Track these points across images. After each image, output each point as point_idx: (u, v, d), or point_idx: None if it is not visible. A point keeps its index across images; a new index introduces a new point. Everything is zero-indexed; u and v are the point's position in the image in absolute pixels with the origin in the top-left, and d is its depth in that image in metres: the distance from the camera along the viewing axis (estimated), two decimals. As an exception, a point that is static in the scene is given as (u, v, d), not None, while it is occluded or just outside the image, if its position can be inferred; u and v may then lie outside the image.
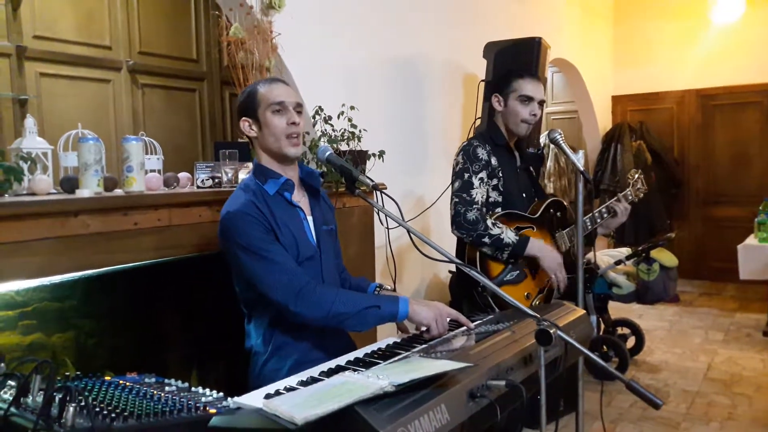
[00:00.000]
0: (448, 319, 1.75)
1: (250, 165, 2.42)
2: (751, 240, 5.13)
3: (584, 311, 1.85)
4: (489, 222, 2.29)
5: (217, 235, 1.76)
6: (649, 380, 4.10)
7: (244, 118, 1.80)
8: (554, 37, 5.40)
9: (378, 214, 2.04)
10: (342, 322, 1.67)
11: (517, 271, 2.34)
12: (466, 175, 2.36)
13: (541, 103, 2.46)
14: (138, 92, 3.59)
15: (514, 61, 3.43)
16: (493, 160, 2.39)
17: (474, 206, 2.31)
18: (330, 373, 1.41)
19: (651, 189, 6.23)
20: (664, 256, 4.25)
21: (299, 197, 1.85)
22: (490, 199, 2.39)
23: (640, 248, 4.28)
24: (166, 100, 3.78)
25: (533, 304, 2.37)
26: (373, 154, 2.70)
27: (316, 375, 1.40)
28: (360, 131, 2.69)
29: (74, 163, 1.97)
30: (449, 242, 3.66)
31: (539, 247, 2.32)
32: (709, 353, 4.64)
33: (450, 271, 3.67)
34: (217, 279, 1.95)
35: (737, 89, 6.24)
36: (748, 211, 6.09)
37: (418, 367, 1.24)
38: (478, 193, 2.34)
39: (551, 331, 1.37)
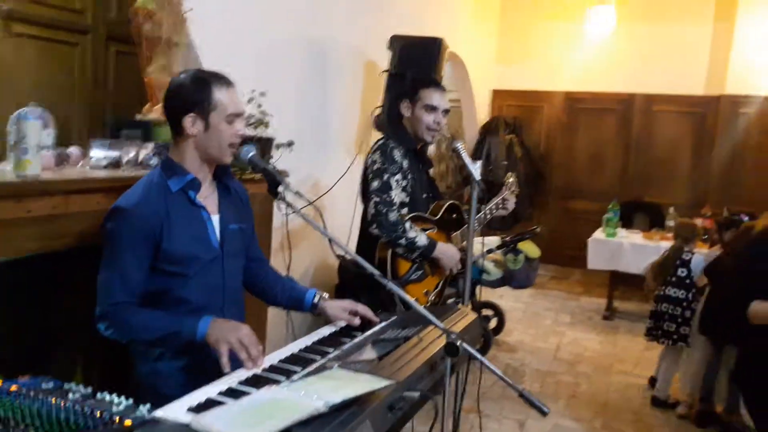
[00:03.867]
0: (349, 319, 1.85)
1: (151, 145, 2.33)
2: (599, 234, 5.75)
3: (475, 315, 2.03)
4: (407, 225, 2.41)
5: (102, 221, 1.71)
6: (508, 360, 4.52)
7: (189, 114, 1.67)
8: (446, 29, 5.59)
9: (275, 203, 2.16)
10: (152, 346, 1.69)
11: (421, 271, 2.51)
12: (386, 176, 2.45)
13: (446, 111, 2.59)
14: (10, 42, 3.23)
15: (417, 58, 3.55)
16: (404, 163, 2.51)
17: (394, 207, 2.41)
18: (250, 382, 1.45)
19: (519, 181, 6.78)
20: (529, 248, 4.66)
21: (206, 195, 1.79)
22: (400, 199, 2.50)
23: (509, 239, 4.65)
24: (42, 54, 3.44)
25: (430, 299, 2.55)
26: (282, 144, 2.69)
27: (236, 385, 1.42)
28: (267, 117, 2.66)
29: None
30: (342, 228, 3.78)
31: (443, 249, 2.50)
32: (557, 334, 5.18)
33: (338, 256, 3.76)
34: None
35: (601, 96, 6.86)
36: (598, 206, 6.76)
37: (343, 383, 1.31)
38: (396, 195, 2.45)
39: (458, 344, 1.52)
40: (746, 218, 3.47)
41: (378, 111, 3.77)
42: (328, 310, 1.92)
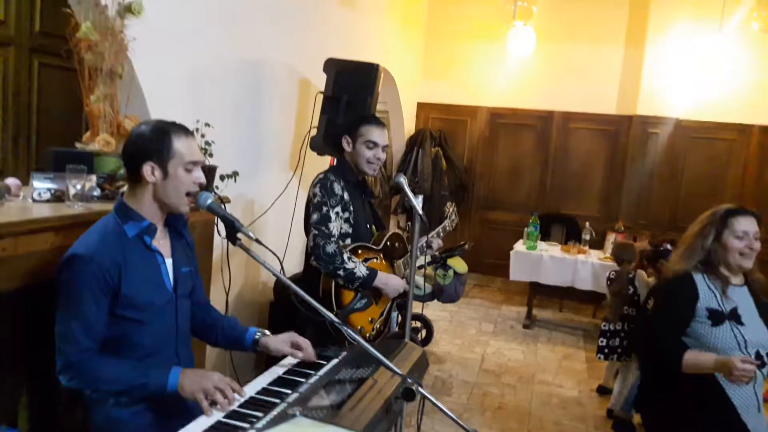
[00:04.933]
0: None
1: (94, 177, 2.29)
2: (520, 246, 6.04)
3: (421, 349, 2.14)
4: (345, 256, 2.48)
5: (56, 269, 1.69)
6: (437, 372, 4.68)
7: (148, 162, 1.70)
8: (374, 42, 5.71)
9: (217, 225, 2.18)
10: (116, 396, 1.70)
11: (365, 300, 2.59)
12: (324, 209, 2.52)
13: (385, 147, 2.70)
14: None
15: (354, 82, 3.61)
16: (346, 195, 2.59)
17: (332, 239, 2.48)
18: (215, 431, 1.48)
19: (443, 191, 7.00)
20: (458, 264, 4.84)
21: (160, 239, 1.83)
22: (342, 230, 2.58)
23: (439, 255, 4.81)
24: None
25: (375, 327, 2.65)
26: (227, 175, 2.70)
27: (202, 436, 1.46)
28: (211, 144, 2.66)
29: None
30: (278, 245, 3.80)
31: (384, 279, 2.59)
32: (482, 344, 5.41)
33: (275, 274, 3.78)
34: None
35: (520, 112, 7.19)
36: (517, 217, 7.13)
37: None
38: (335, 227, 2.52)
39: (414, 388, 1.62)
40: (669, 246, 3.73)
41: (314, 132, 3.81)
42: (270, 345, 1.96)
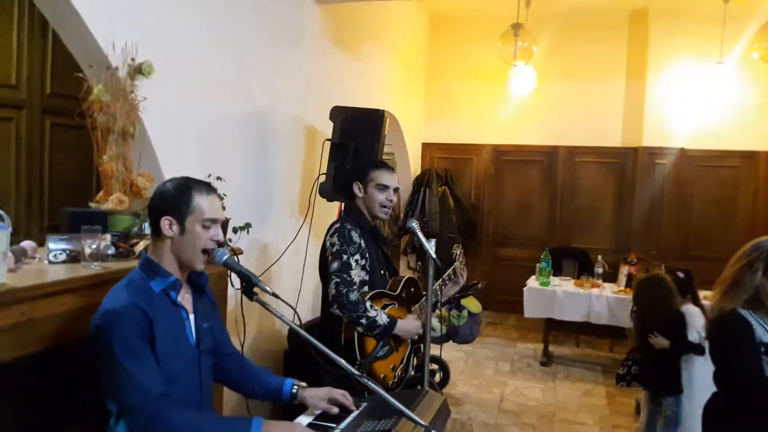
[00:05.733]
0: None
1: (108, 236, 2.30)
2: (533, 282, 5.99)
3: (443, 397, 2.10)
4: (368, 304, 2.47)
5: (90, 330, 1.68)
6: (455, 414, 4.59)
7: (166, 216, 1.74)
8: (378, 87, 5.81)
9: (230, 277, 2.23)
10: None
11: (387, 347, 2.57)
12: (345, 257, 2.53)
13: (396, 189, 2.72)
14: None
15: (360, 128, 3.66)
16: (362, 243, 2.59)
17: (354, 287, 2.48)
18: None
19: (452, 230, 7.00)
20: (472, 304, 4.81)
21: (183, 295, 1.86)
22: (360, 278, 2.57)
23: (453, 296, 4.78)
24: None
25: (397, 374, 2.62)
26: (240, 227, 2.72)
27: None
28: (223, 198, 2.68)
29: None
30: (290, 292, 3.79)
31: (403, 326, 2.58)
32: (500, 384, 5.32)
33: (294, 328, 3.76)
34: (80, 370, 1.83)
35: (525, 148, 7.24)
36: (527, 253, 7.10)
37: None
38: (356, 275, 2.53)
39: (437, 438, 1.59)
40: (681, 275, 3.68)
41: (323, 178, 3.85)
42: (308, 399, 1.95)
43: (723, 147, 6.52)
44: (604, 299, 5.51)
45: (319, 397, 1.94)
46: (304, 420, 1.87)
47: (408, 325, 2.62)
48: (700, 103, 6.45)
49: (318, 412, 1.94)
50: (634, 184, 6.76)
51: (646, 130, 6.61)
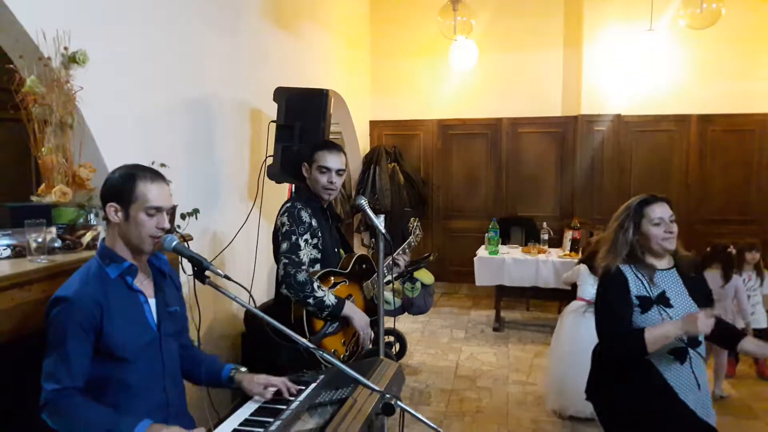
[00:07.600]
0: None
1: (54, 229, 2.28)
2: (483, 252, 6.16)
3: (397, 364, 2.19)
4: (315, 284, 2.51)
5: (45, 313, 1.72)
6: (413, 383, 4.72)
7: (111, 203, 1.77)
8: (321, 66, 5.80)
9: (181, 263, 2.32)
10: None
11: (336, 324, 2.62)
12: (293, 237, 2.55)
13: (339, 172, 2.74)
14: None
15: (304, 109, 3.68)
16: (313, 222, 2.63)
17: (302, 267, 2.51)
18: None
19: (404, 205, 7.10)
20: (425, 275, 4.93)
21: (142, 280, 1.87)
22: (311, 257, 2.61)
23: (405, 269, 4.88)
24: None
25: (349, 348, 2.68)
26: (188, 213, 2.72)
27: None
28: (169, 183, 2.67)
29: None
30: (245, 275, 3.80)
31: (352, 309, 2.63)
32: (455, 351, 5.49)
33: (246, 308, 3.79)
34: (37, 364, 1.84)
35: (469, 122, 7.37)
36: (476, 224, 7.27)
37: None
38: (305, 255, 2.56)
39: (393, 403, 1.67)
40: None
41: (270, 161, 3.86)
42: (245, 383, 1.98)
43: (657, 112, 6.79)
44: (551, 264, 5.73)
45: (256, 383, 1.96)
46: (252, 406, 1.90)
47: (357, 312, 2.65)
48: (634, 70, 6.69)
49: (269, 396, 1.96)
50: (574, 153, 6.99)
51: (584, 99, 6.82)
